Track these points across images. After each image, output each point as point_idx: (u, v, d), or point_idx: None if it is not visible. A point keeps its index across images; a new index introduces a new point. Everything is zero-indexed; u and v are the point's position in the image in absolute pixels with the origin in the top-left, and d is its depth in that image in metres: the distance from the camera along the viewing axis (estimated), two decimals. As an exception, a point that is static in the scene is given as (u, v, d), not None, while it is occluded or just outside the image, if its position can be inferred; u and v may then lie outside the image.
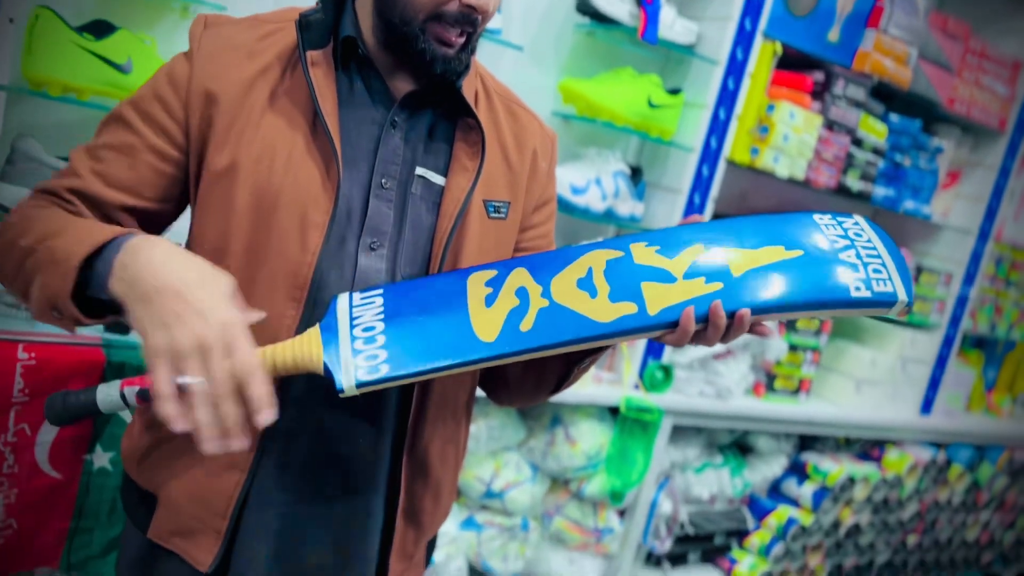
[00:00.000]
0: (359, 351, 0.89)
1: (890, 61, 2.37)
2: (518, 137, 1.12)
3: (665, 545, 2.41)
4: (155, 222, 1.04)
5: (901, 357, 2.79)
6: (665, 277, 0.95)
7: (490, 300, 0.95)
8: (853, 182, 2.45)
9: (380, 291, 0.97)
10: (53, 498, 1.53)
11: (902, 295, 0.92)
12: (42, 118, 1.54)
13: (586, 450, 2.13)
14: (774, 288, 0.94)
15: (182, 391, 0.78)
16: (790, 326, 2.51)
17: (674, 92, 2.10)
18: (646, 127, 2.07)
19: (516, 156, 1.11)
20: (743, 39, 2.11)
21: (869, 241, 1.00)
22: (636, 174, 2.15)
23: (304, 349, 0.90)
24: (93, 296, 0.87)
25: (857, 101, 2.37)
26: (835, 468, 2.63)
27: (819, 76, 2.31)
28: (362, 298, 0.96)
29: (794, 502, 2.66)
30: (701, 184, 2.15)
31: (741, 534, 2.61)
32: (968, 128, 2.78)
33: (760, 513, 2.63)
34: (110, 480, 1.58)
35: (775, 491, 2.70)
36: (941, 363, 2.90)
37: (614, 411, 2.18)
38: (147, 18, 1.62)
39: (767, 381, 2.51)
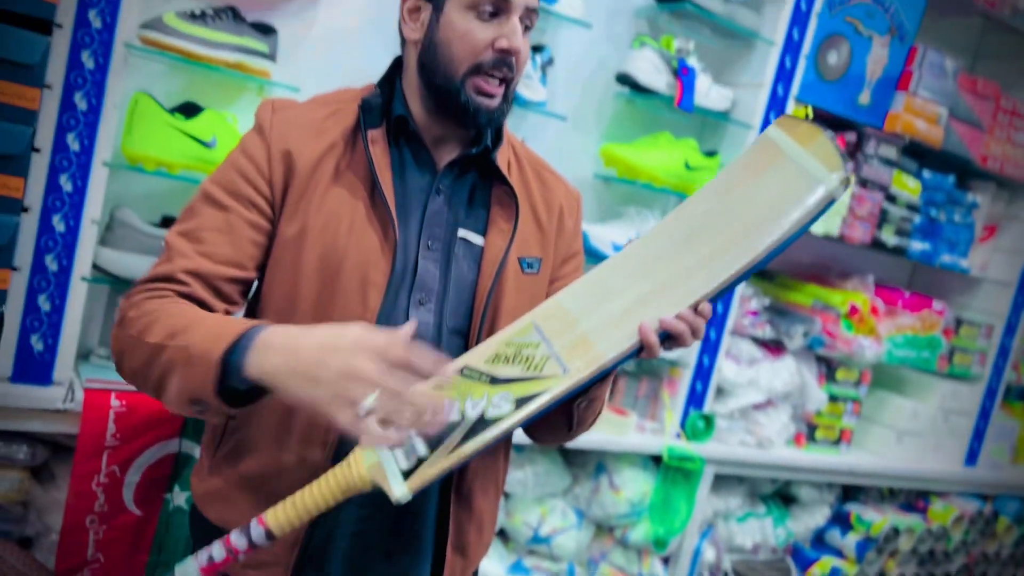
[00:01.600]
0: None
1: (921, 121, 2.46)
2: (546, 199, 1.25)
3: (709, 593, 2.46)
4: (250, 286, 1.16)
5: (943, 408, 2.82)
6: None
7: None
8: (888, 237, 2.53)
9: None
10: (135, 534, 1.66)
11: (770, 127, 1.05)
12: (136, 189, 1.72)
13: (630, 497, 2.21)
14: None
15: (370, 414, 0.85)
16: (829, 376, 2.57)
17: (710, 154, 2.22)
18: (684, 187, 2.19)
19: (545, 216, 1.24)
20: (776, 104, 2.22)
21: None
22: (675, 232, 2.26)
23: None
24: (229, 387, 0.95)
25: (889, 160, 2.46)
26: (879, 519, 2.66)
27: (851, 136, 2.41)
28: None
29: (838, 552, 2.68)
30: (738, 241, 2.25)
31: (785, 584, 2.65)
32: (1003, 183, 2.84)
33: (804, 563, 2.66)
34: (186, 517, 1.71)
35: (818, 541, 2.73)
36: (984, 415, 2.92)
37: (657, 459, 2.26)
38: (228, 97, 1.80)
39: (808, 431, 2.56)
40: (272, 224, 1.13)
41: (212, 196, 1.11)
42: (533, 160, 1.28)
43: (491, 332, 1.14)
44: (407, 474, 0.94)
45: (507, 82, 1.13)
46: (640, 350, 1.02)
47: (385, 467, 0.95)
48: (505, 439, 1.26)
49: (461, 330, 1.17)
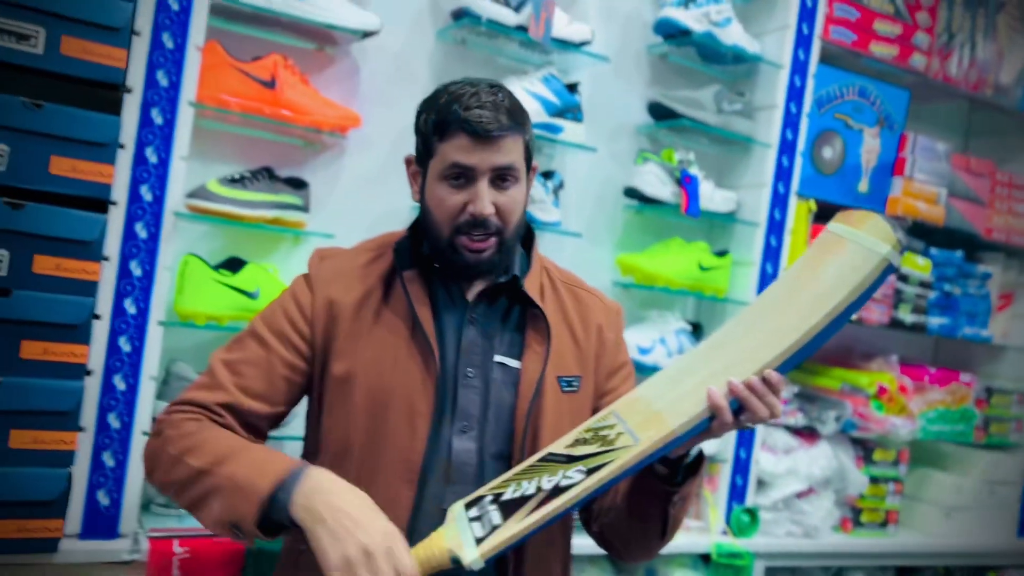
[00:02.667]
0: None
1: (921, 203, 2.56)
2: (583, 317, 1.32)
3: None
4: (276, 422, 1.25)
5: (987, 480, 2.80)
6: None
7: None
8: (905, 315, 2.59)
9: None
10: None
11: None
12: (187, 342, 1.83)
13: (683, 599, 2.21)
14: None
15: None
16: (866, 458, 2.58)
17: (721, 254, 2.32)
18: (700, 287, 2.28)
19: (583, 334, 1.31)
20: (778, 201, 2.34)
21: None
22: (697, 329, 2.34)
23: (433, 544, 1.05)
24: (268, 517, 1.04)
25: (896, 242, 2.55)
26: (938, 600, 2.62)
27: (856, 224, 2.50)
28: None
29: (902, 639, 2.63)
30: (759, 334, 2.32)
31: (852, 677, 2.59)
32: (1012, 252, 2.91)
33: (868, 653, 2.61)
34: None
35: (880, 629, 2.68)
36: (1030, 482, 2.90)
37: (706, 558, 2.27)
38: (267, 248, 1.93)
39: (853, 515, 2.56)
40: (309, 364, 1.23)
41: (258, 333, 1.23)
42: (568, 279, 1.36)
43: (532, 453, 1.19)
44: (480, 540, 1.02)
45: (499, 233, 1.21)
46: (712, 418, 1.07)
47: (461, 536, 1.03)
48: (569, 513, 1.29)
49: (503, 454, 1.22)
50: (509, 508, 1.05)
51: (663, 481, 1.17)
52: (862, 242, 1.12)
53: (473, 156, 1.18)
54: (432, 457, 1.19)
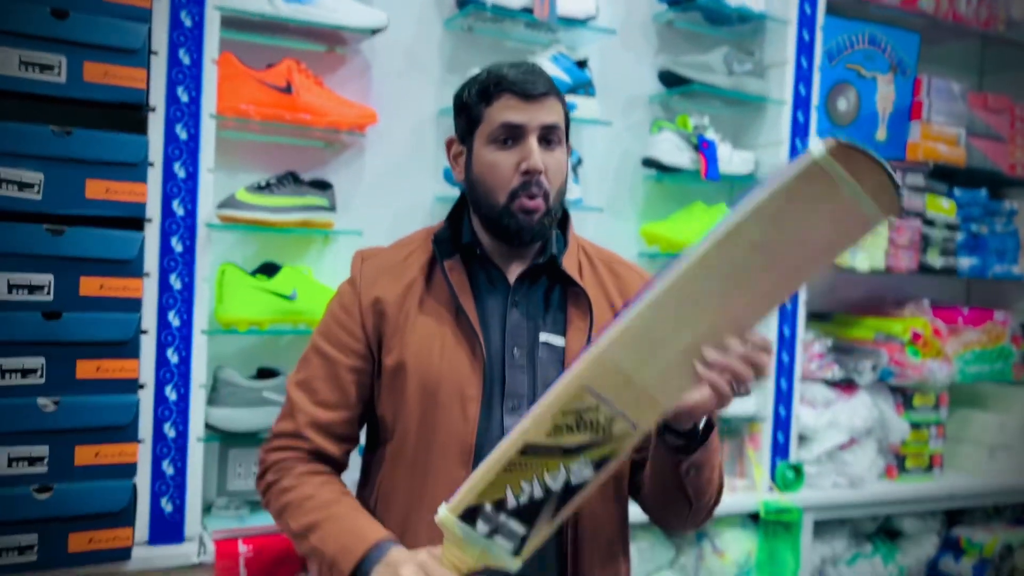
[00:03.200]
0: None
1: (941, 145, 2.55)
2: (622, 291, 1.35)
3: (834, 642, 2.45)
4: (362, 422, 1.33)
5: (1029, 416, 2.81)
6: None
7: None
8: (934, 259, 2.59)
9: None
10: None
11: (814, 146, 0.91)
12: (230, 348, 1.89)
13: (736, 559, 2.24)
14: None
15: None
16: (906, 405, 2.59)
17: (745, 216, 2.33)
18: (727, 251, 2.30)
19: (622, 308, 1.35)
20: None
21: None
22: (727, 294, 2.36)
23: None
24: None
25: (918, 187, 2.55)
26: (989, 539, 2.63)
27: (876, 173, 2.50)
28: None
29: (956, 579, 2.65)
30: (789, 291, 2.33)
31: (909, 621, 2.61)
32: (1037, 186, 2.89)
33: (923, 596, 2.63)
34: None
35: (934, 571, 2.69)
36: (1074, 415, 2.89)
37: (755, 516, 2.30)
38: (298, 250, 1.98)
39: (897, 463, 2.58)
40: (370, 362, 1.30)
41: (319, 348, 1.30)
42: (605, 257, 1.39)
43: None
44: (516, 551, 1.06)
45: (546, 196, 1.24)
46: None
47: (490, 552, 1.06)
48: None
49: None
50: (526, 516, 1.05)
51: (675, 451, 1.17)
52: (865, 209, 0.95)
53: (522, 114, 1.22)
54: (485, 438, 1.23)
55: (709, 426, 1.20)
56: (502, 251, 1.30)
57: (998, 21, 2.69)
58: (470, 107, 1.27)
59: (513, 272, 1.30)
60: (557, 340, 1.28)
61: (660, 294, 1.00)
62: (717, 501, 1.30)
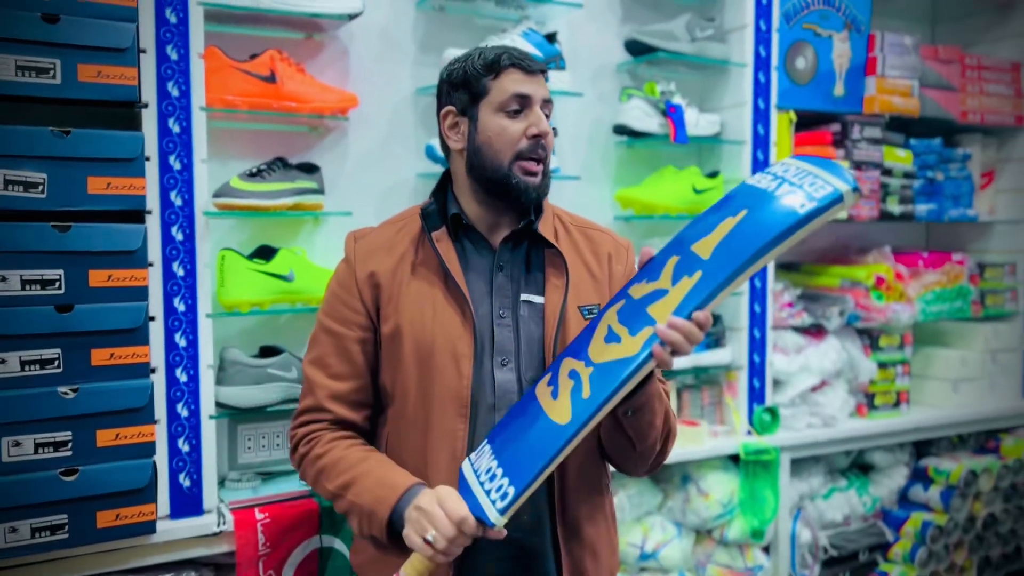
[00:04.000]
0: (489, 490, 1.21)
1: (896, 98, 2.67)
2: (595, 252, 1.47)
3: (815, 571, 2.61)
4: (374, 386, 1.43)
5: (988, 350, 2.97)
6: (660, 294, 1.17)
7: (554, 394, 1.24)
8: (894, 207, 2.72)
9: (486, 441, 1.29)
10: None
11: (843, 186, 1.07)
12: (233, 328, 1.97)
13: (719, 499, 2.39)
14: (740, 248, 1.11)
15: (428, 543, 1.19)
16: (873, 346, 2.74)
17: (713, 175, 2.44)
18: (697, 210, 2.41)
19: (596, 267, 1.46)
20: (760, 117, 2.45)
21: (799, 169, 1.14)
22: (699, 251, 2.47)
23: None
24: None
25: (876, 139, 2.67)
26: (955, 466, 2.80)
27: (836, 127, 2.63)
28: (476, 454, 1.29)
29: (925, 506, 2.82)
30: (758, 245, 2.46)
31: (883, 547, 2.78)
32: (988, 132, 3.03)
33: (896, 524, 2.80)
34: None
35: (904, 500, 2.87)
36: (1030, 346, 3.07)
37: (735, 458, 2.44)
38: (290, 232, 2.06)
39: (867, 401, 2.73)
40: (373, 331, 1.41)
41: (325, 326, 1.42)
42: (579, 223, 1.52)
43: None
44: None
45: (543, 161, 1.38)
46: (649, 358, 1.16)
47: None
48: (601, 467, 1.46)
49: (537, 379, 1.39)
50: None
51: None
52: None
53: (529, 86, 1.37)
54: (479, 391, 1.35)
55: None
56: (489, 220, 1.41)
57: (946, -26, 2.80)
58: (473, 81, 1.38)
59: (497, 238, 1.41)
60: (537, 298, 1.40)
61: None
62: (665, 446, 1.41)
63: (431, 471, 1.34)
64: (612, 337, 1.21)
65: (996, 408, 2.94)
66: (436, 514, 1.20)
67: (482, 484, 1.22)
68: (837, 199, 1.08)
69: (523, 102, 1.36)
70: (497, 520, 1.19)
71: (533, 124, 1.36)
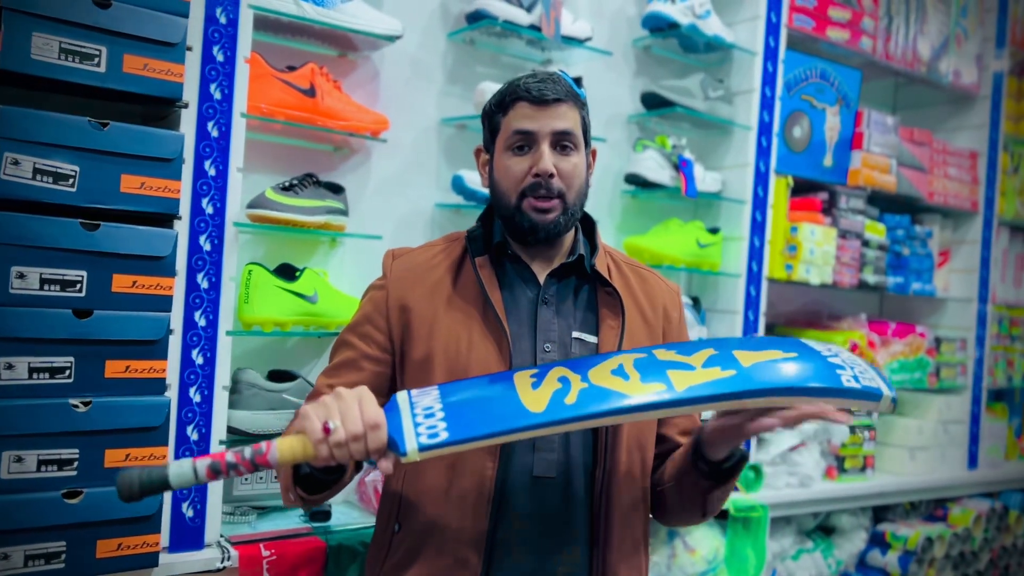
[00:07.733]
0: (420, 423, 1.09)
1: (877, 173, 2.80)
2: (649, 296, 1.44)
3: (784, 632, 2.62)
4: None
5: (941, 421, 3.09)
6: (686, 367, 1.14)
7: (535, 385, 1.16)
8: (869, 277, 2.83)
9: (435, 386, 1.20)
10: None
11: (887, 391, 1.12)
12: (250, 349, 1.85)
13: (705, 555, 2.37)
14: (780, 374, 1.12)
15: (327, 431, 1.03)
16: (846, 410, 2.81)
17: (714, 231, 2.49)
18: (698, 264, 2.44)
19: (651, 312, 1.43)
20: (760, 179, 2.52)
21: (851, 358, 1.19)
22: (696, 303, 2.50)
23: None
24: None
25: (859, 210, 2.79)
26: (911, 533, 2.88)
27: (824, 196, 2.73)
28: (419, 392, 1.18)
29: (883, 571, 2.88)
30: (751, 302, 2.50)
31: (845, 610, 2.82)
32: (947, 213, 3.21)
33: (857, 587, 2.85)
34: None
35: (863, 565, 2.93)
36: (975, 420, 3.22)
37: (723, 514, 2.44)
38: (306, 251, 1.97)
39: (837, 463, 2.79)
40: (391, 355, 1.34)
41: (345, 339, 1.38)
42: (630, 262, 1.49)
43: (614, 425, 1.31)
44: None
45: (562, 196, 1.32)
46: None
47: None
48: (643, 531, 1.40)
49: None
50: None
51: (706, 477, 1.30)
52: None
53: (534, 121, 1.30)
54: None
55: (743, 458, 1.33)
56: (528, 252, 1.37)
57: (920, 63, 2.98)
58: (492, 116, 1.36)
59: (542, 271, 1.37)
60: (590, 337, 1.35)
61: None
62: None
63: (451, 507, 1.27)
64: (620, 372, 1.16)
65: (947, 477, 3.06)
66: (351, 407, 1.05)
67: (415, 416, 1.10)
68: (876, 396, 1.11)
69: (526, 139, 1.31)
70: (412, 452, 1.05)
71: (535, 164, 1.30)
